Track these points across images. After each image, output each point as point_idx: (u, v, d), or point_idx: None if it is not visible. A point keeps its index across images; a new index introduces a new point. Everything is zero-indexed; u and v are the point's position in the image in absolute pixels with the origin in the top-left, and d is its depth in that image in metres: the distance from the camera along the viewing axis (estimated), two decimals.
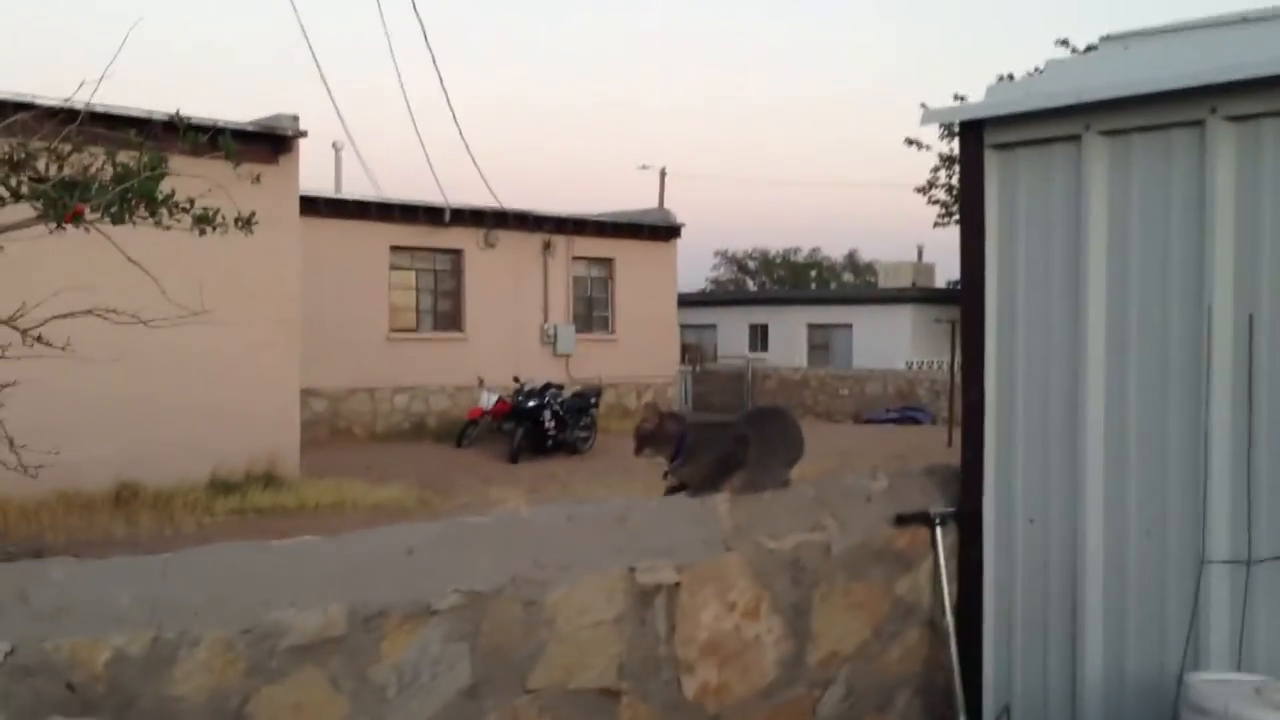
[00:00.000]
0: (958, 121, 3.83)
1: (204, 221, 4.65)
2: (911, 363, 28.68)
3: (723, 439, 3.53)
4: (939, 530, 3.82)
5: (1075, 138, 3.50)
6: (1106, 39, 3.67)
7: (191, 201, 4.65)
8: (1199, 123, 3.26)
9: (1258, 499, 3.22)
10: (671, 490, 3.52)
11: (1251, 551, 3.22)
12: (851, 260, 58.02)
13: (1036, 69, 3.74)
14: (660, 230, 24.78)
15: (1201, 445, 3.30)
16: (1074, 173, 3.53)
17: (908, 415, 24.62)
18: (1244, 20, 3.30)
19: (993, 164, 3.72)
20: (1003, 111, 3.63)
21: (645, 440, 3.48)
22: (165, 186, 4.53)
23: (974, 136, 3.75)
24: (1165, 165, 3.37)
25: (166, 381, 12.49)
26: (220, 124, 9.64)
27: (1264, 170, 3.19)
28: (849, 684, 3.65)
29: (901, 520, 3.79)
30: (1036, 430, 3.68)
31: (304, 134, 13.65)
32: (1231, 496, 3.27)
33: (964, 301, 3.82)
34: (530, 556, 2.98)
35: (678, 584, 3.19)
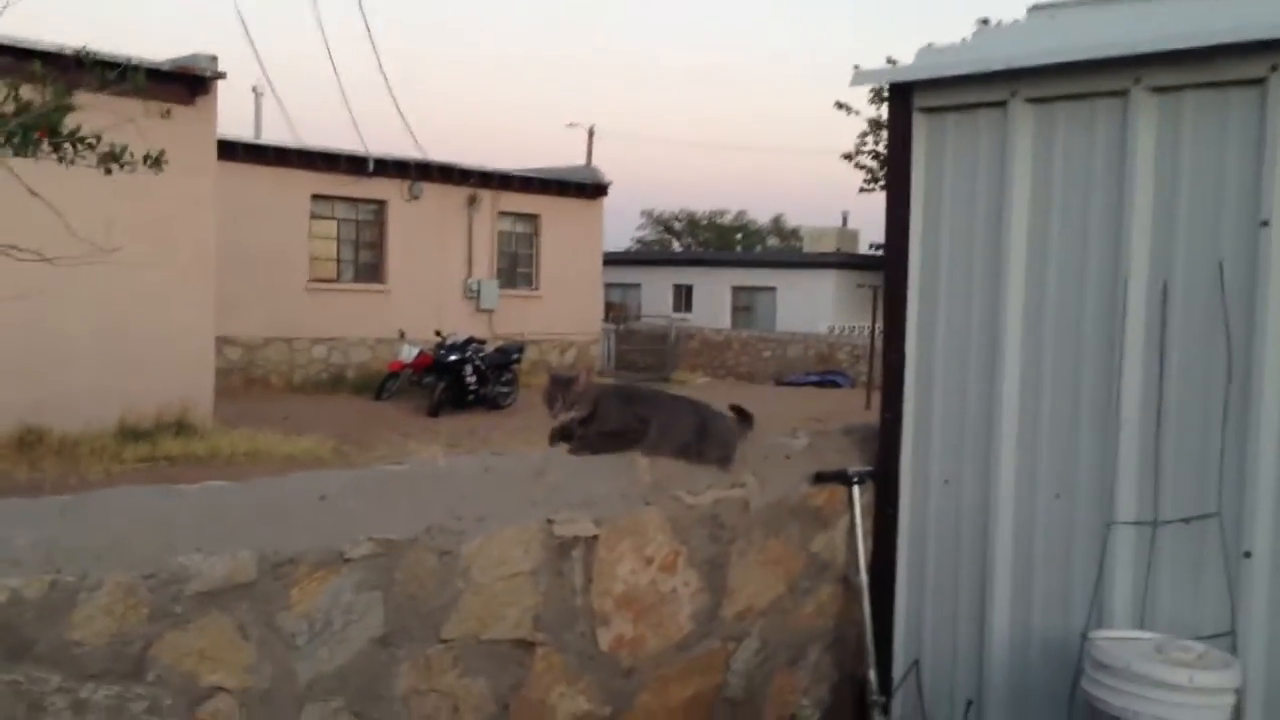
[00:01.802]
0: (887, 84, 3.83)
1: (112, 159, 4.49)
2: (834, 327, 29.00)
3: (625, 414, 3.42)
4: (856, 489, 3.86)
5: (1002, 104, 3.52)
6: (1035, 8, 3.69)
7: (98, 137, 4.48)
8: (1123, 93, 3.30)
9: (1165, 463, 3.30)
10: (557, 431, 3.45)
11: (1157, 513, 3.30)
12: (777, 225, 58.35)
13: (964, 38, 3.76)
14: (587, 188, 24.64)
15: (1113, 411, 3.37)
16: (999, 139, 3.55)
17: (828, 379, 24.92)
18: None
19: (920, 128, 3.73)
20: (932, 75, 3.63)
21: (572, 402, 3.35)
22: (72, 122, 4.36)
23: (902, 100, 3.75)
24: (1088, 134, 3.41)
25: (75, 324, 12.13)
26: (133, 61, 9.31)
27: (1183, 142, 3.24)
28: (763, 638, 3.68)
29: (820, 478, 3.82)
30: (954, 393, 3.73)
31: (222, 75, 13.27)
32: (1140, 461, 3.34)
33: (887, 263, 3.85)
34: (446, 507, 2.94)
35: (595, 537, 3.18)
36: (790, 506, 3.73)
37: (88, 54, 4.64)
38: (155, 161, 4.65)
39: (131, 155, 4.60)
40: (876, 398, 4.02)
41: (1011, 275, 3.55)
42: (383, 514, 2.81)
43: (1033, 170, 3.51)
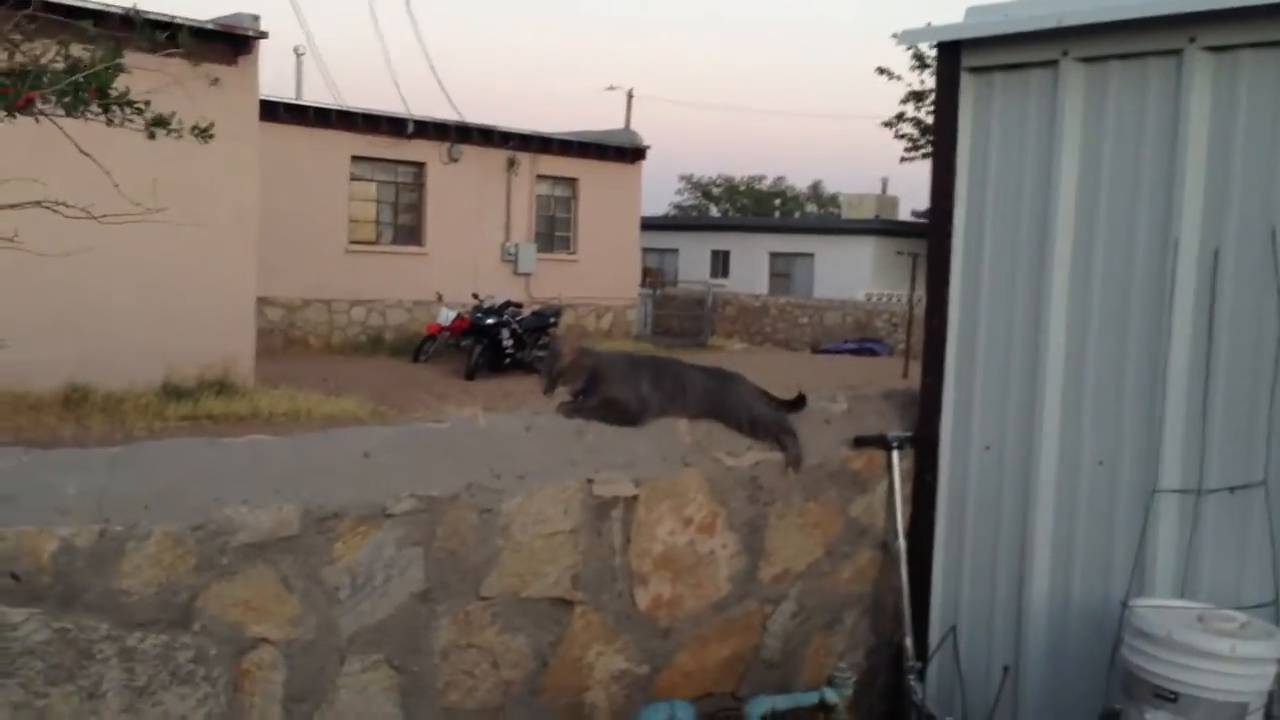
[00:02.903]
0: (934, 43, 3.77)
1: (159, 124, 4.51)
2: (871, 295, 28.81)
3: (627, 386, 3.34)
4: (895, 454, 3.84)
5: (1052, 63, 3.46)
6: None
7: (147, 103, 4.50)
8: (1177, 52, 3.23)
9: (1211, 431, 3.25)
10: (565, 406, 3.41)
11: (1202, 482, 3.27)
12: (815, 191, 57.91)
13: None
14: (626, 152, 24.55)
15: (1160, 378, 3.33)
16: (1049, 99, 3.49)
17: (865, 347, 24.78)
18: None
19: (968, 88, 3.68)
20: (980, 34, 3.57)
21: (559, 376, 3.32)
22: (120, 85, 4.38)
23: (950, 59, 3.69)
24: (1140, 95, 3.34)
25: (120, 283, 12.27)
26: (178, 20, 9.35)
27: (1239, 104, 3.17)
28: (799, 601, 3.68)
29: (859, 443, 3.80)
30: (997, 358, 3.69)
31: (265, 35, 13.31)
32: (1185, 429, 3.30)
33: (931, 225, 3.80)
34: (487, 465, 2.96)
35: (635, 497, 3.18)
36: (830, 470, 3.72)
37: (136, 12, 4.64)
38: (203, 132, 4.66)
39: (180, 122, 4.61)
40: (914, 367, 3.99)
41: (1059, 239, 3.49)
42: (425, 471, 2.83)
43: (1083, 131, 3.45)
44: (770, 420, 3.54)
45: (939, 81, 3.77)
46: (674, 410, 3.39)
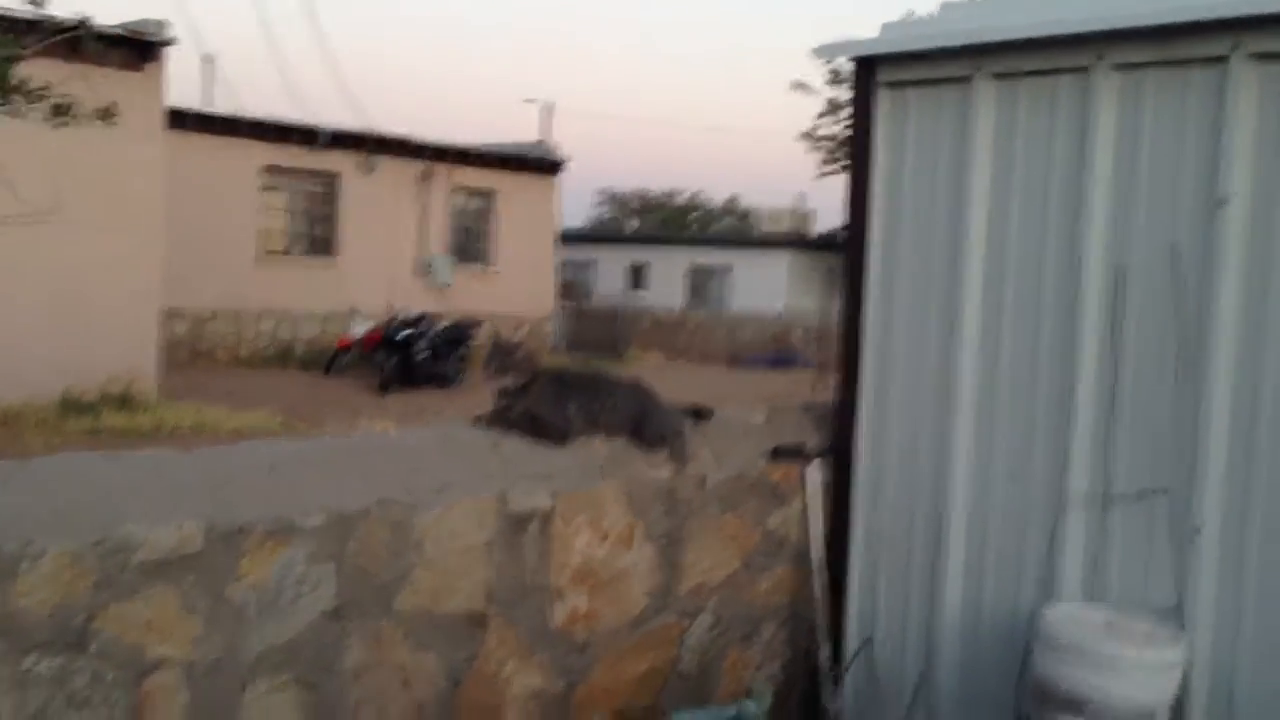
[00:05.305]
0: (851, 58, 3.80)
1: (61, 112, 4.35)
2: (787, 308, 29.07)
3: (556, 404, 3.37)
4: (812, 467, 3.85)
5: (966, 79, 3.51)
6: None
7: (46, 89, 4.35)
8: (1085, 69, 3.30)
9: (1117, 440, 3.32)
10: (497, 411, 3.43)
11: (1109, 488, 3.32)
12: (731, 205, 58.34)
13: (931, 13, 3.74)
14: (544, 164, 24.47)
15: (1068, 391, 3.39)
16: (962, 115, 3.54)
17: (781, 360, 24.98)
18: None
19: (883, 103, 3.72)
20: (896, 49, 3.62)
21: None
22: (20, 77, 4.23)
23: (866, 74, 3.73)
24: (1050, 112, 3.41)
25: (16, 291, 11.85)
26: (82, 24, 9.08)
27: (1144, 121, 3.25)
28: (717, 614, 3.67)
29: (777, 454, 3.81)
30: (911, 372, 3.73)
31: (171, 41, 12.99)
32: (1092, 438, 3.36)
33: (848, 238, 3.83)
34: (400, 479, 2.90)
35: (551, 510, 3.14)
36: (748, 483, 3.71)
37: (35, 8, 4.49)
38: (106, 113, 4.51)
39: (82, 107, 4.45)
40: (827, 380, 4.02)
41: (972, 254, 3.54)
42: (334, 485, 2.76)
43: (994, 147, 3.50)
44: (665, 425, 3.53)
45: (855, 96, 3.80)
46: (597, 429, 3.37)
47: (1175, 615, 3.20)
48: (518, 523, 3.07)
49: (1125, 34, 3.17)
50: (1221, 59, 3.07)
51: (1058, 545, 3.41)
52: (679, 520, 3.50)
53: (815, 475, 3.85)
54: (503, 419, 3.29)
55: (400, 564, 2.81)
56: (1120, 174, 3.29)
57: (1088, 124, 3.30)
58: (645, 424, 3.45)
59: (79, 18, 8.15)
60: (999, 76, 3.46)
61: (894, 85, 3.68)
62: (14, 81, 4.10)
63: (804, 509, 3.88)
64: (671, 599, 3.52)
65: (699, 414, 3.74)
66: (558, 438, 3.28)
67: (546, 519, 3.13)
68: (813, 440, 3.92)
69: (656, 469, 3.43)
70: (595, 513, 3.26)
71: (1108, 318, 3.32)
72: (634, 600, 3.41)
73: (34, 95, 4.25)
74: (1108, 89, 3.27)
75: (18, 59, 4.08)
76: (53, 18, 4.73)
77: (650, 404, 3.52)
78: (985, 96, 3.48)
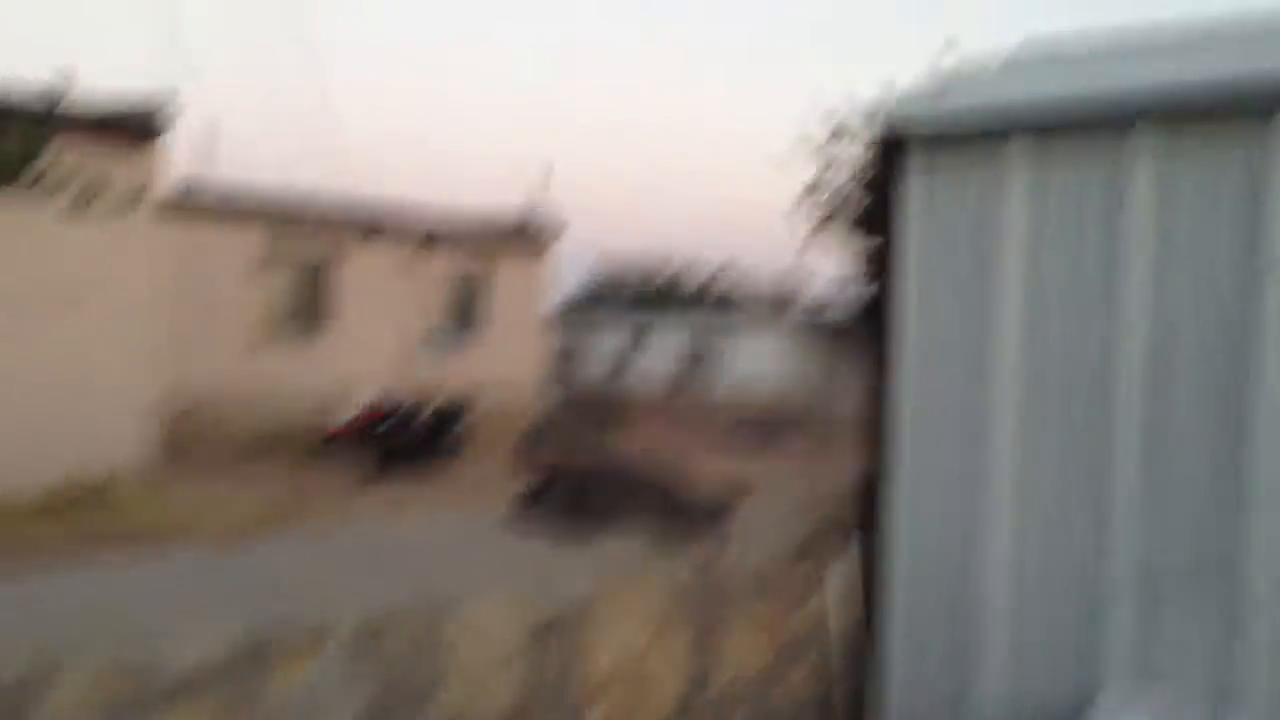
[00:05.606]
0: (881, 137, 3.76)
1: (84, 204, 4.29)
2: (786, 383, 28.98)
3: (583, 492, 3.38)
4: (843, 557, 3.74)
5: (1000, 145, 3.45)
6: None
7: (68, 176, 4.28)
8: (1120, 141, 3.25)
9: (1160, 514, 3.23)
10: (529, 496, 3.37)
11: (1152, 565, 3.22)
12: (729, 274, 58.58)
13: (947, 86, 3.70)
14: (540, 236, 24.52)
15: (1108, 464, 3.31)
16: (996, 193, 3.49)
17: (775, 434, 24.78)
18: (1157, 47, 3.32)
19: (911, 182, 3.66)
20: (928, 131, 3.57)
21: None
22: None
23: (896, 154, 3.68)
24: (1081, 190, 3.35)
25: None
26: (83, 105, 9.06)
27: (1180, 197, 3.18)
28: (754, 705, 3.53)
29: (807, 545, 3.70)
30: (946, 457, 3.62)
31: (173, 121, 12.97)
32: (1136, 513, 3.27)
33: (882, 324, 3.74)
34: (427, 580, 2.78)
35: (581, 610, 3.02)
36: (778, 573, 3.59)
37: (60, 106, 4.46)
38: (134, 199, 4.44)
39: (104, 197, 4.39)
40: (845, 461, 3.92)
41: (1007, 344, 3.47)
42: (359, 590, 2.64)
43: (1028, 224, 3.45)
44: (692, 518, 3.45)
45: (882, 177, 3.75)
46: (622, 524, 3.29)
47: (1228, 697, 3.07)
48: (548, 624, 2.95)
49: (1162, 109, 3.12)
50: (1259, 133, 3.03)
51: (1099, 626, 3.29)
52: (710, 614, 3.38)
53: (847, 566, 3.73)
54: (527, 517, 3.20)
55: (431, 669, 2.68)
56: (1158, 246, 3.24)
57: (1124, 196, 3.25)
58: (672, 518, 3.37)
59: (92, 103, 8.11)
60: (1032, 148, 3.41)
61: (922, 165, 3.62)
62: (37, 172, 4.04)
63: (837, 598, 3.75)
64: (705, 692, 3.38)
65: (720, 504, 3.64)
66: (583, 536, 3.19)
67: (575, 619, 3.01)
68: (844, 530, 3.80)
69: (682, 565, 3.32)
70: (623, 608, 3.14)
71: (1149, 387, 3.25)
72: (666, 695, 3.27)
73: (55, 185, 4.18)
74: (1144, 163, 3.22)
75: (42, 147, 4.03)
76: (61, 101, 4.69)
77: (675, 497, 3.43)
78: (1019, 169, 3.43)
